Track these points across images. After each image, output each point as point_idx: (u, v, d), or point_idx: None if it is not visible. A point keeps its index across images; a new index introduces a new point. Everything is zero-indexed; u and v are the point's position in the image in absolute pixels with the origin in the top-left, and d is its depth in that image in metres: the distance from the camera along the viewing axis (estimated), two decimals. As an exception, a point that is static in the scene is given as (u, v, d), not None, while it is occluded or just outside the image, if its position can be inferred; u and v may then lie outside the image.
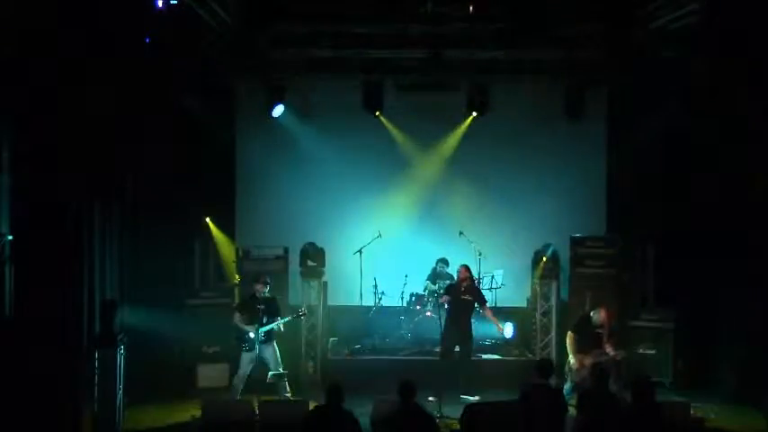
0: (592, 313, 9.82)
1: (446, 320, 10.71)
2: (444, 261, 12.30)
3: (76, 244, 9.15)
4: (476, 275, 12.30)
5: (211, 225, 12.42)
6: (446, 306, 10.82)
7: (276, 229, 12.56)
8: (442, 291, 11.42)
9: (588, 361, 9.29)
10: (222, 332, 10.91)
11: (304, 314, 10.59)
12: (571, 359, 9.58)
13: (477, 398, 10.04)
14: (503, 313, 12.55)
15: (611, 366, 9.21)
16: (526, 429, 7.53)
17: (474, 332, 12.13)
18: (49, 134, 8.54)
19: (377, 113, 12.40)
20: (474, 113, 12.37)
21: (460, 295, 10.75)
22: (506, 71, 11.84)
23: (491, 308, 11.88)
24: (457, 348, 10.72)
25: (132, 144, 10.54)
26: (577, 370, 9.45)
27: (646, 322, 11.42)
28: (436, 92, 12.38)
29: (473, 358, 11.45)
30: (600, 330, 9.67)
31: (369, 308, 12.36)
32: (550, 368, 7.83)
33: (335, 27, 10.74)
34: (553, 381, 7.87)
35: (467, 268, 10.92)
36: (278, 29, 10.70)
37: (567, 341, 9.72)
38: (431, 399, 9.47)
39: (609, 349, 9.57)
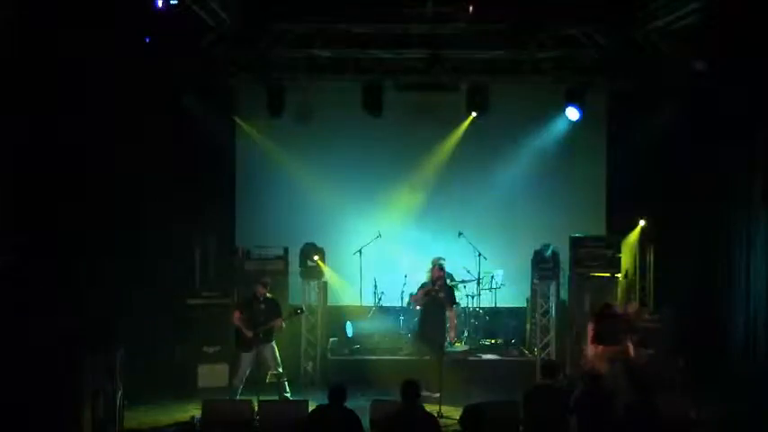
0: (627, 305, 9.70)
1: (420, 319, 10.85)
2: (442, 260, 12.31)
3: (77, 244, 9.16)
4: (475, 275, 12.35)
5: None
6: (417, 306, 11.05)
7: (276, 229, 12.56)
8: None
9: (602, 353, 9.26)
10: (222, 332, 10.92)
11: (302, 311, 10.60)
12: (589, 347, 9.50)
13: (437, 395, 9.73)
14: (503, 313, 12.61)
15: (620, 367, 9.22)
16: (528, 430, 7.55)
17: (474, 332, 12.22)
18: (50, 134, 8.55)
19: (377, 113, 12.39)
20: (474, 113, 12.35)
21: (435, 294, 10.81)
22: (506, 71, 11.84)
23: (490, 308, 11.93)
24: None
25: (132, 144, 10.53)
26: (590, 359, 9.37)
27: (646, 322, 11.41)
28: (436, 92, 12.37)
29: (472, 358, 11.50)
30: (621, 324, 9.57)
31: (369, 308, 12.37)
32: (554, 369, 7.83)
33: (335, 27, 10.73)
34: (556, 381, 7.87)
35: (440, 267, 10.98)
36: (278, 29, 10.70)
37: (588, 329, 9.62)
38: (426, 393, 9.45)
39: (630, 348, 9.48)
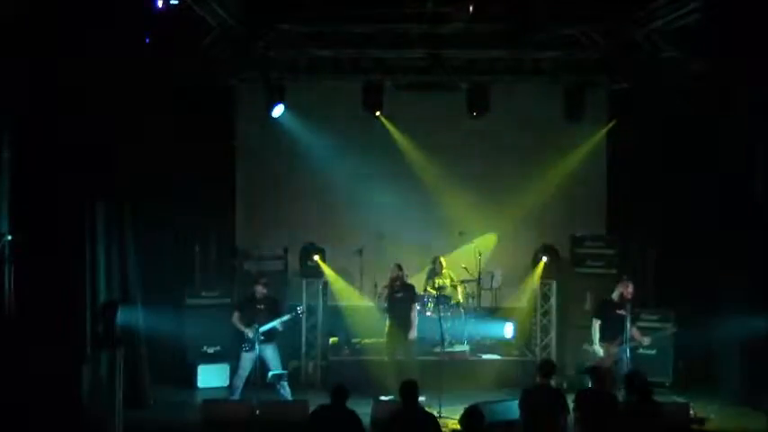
0: (615, 292, 9.68)
1: (387, 318, 10.88)
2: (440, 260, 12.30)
3: (77, 244, 9.15)
4: (475, 275, 12.34)
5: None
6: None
7: (276, 229, 12.57)
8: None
9: (614, 350, 9.25)
10: (222, 332, 10.92)
11: (302, 313, 10.60)
12: (596, 348, 9.47)
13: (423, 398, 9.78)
14: (503, 313, 12.61)
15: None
16: (526, 430, 7.55)
17: (474, 332, 12.21)
18: (50, 134, 8.54)
19: (377, 113, 12.37)
20: (474, 114, 12.35)
21: (394, 294, 10.84)
22: (506, 71, 11.85)
23: (491, 308, 11.91)
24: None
25: (132, 144, 10.53)
26: (604, 359, 9.34)
27: (646, 322, 11.39)
28: (436, 92, 12.38)
29: (472, 358, 11.49)
30: (622, 312, 9.51)
31: (369, 308, 12.37)
32: (552, 368, 7.83)
33: (335, 27, 10.73)
34: (554, 381, 7.88)
35: (398, 267, 10.97)
36: (278, 29, 10.69)
37: (593, 328, 9.58)
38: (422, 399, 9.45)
39: (635, 334, 9.48)
